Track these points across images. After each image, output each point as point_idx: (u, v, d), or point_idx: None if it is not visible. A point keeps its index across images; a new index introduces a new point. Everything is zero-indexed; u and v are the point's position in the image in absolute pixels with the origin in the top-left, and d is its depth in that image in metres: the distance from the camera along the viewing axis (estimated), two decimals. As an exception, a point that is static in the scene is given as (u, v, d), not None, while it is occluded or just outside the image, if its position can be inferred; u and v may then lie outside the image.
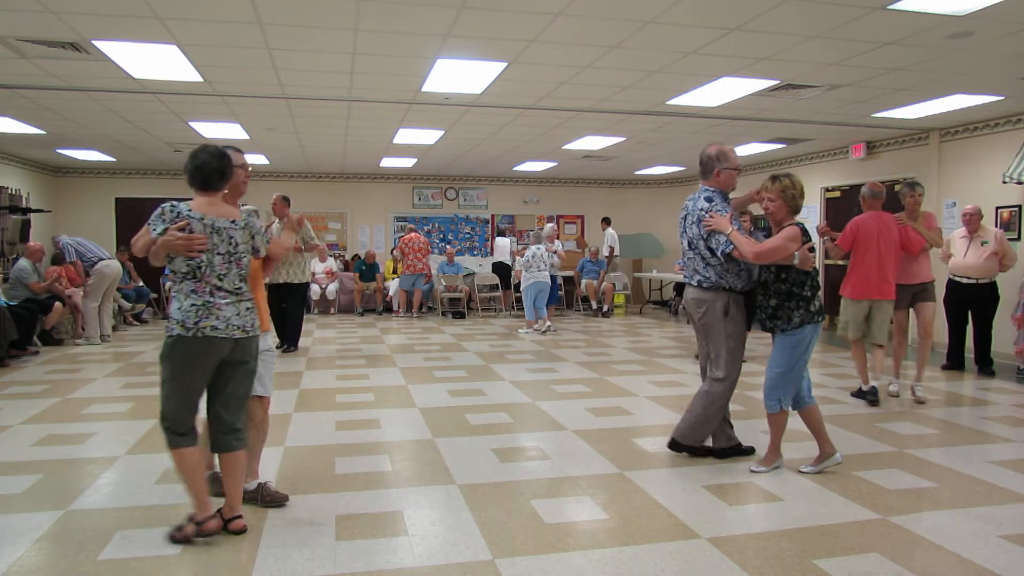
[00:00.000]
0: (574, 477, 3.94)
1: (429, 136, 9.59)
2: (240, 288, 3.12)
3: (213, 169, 3.06)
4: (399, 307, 12.54)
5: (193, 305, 2.97)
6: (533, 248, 10.46)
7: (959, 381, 6.81)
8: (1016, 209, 7.79)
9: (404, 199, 14.45)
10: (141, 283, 11.68)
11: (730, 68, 6.05)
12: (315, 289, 12.76)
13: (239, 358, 3.09)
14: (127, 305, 10.98)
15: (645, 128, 8.95)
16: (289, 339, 8.30)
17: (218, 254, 3.03)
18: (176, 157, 11.56)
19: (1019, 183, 7.50)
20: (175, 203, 3.00)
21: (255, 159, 11.91)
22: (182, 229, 2.95)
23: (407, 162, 12.41)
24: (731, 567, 2.86)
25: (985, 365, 7.09)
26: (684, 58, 5.75)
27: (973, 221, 6.91)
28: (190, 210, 3.01)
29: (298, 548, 3.02)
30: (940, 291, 7.57)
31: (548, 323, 10.40)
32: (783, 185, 3.80)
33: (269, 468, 4.03)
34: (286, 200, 8.02)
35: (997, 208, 7.97)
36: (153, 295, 12.03)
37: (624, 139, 9.79)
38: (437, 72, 6.18)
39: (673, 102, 7.38)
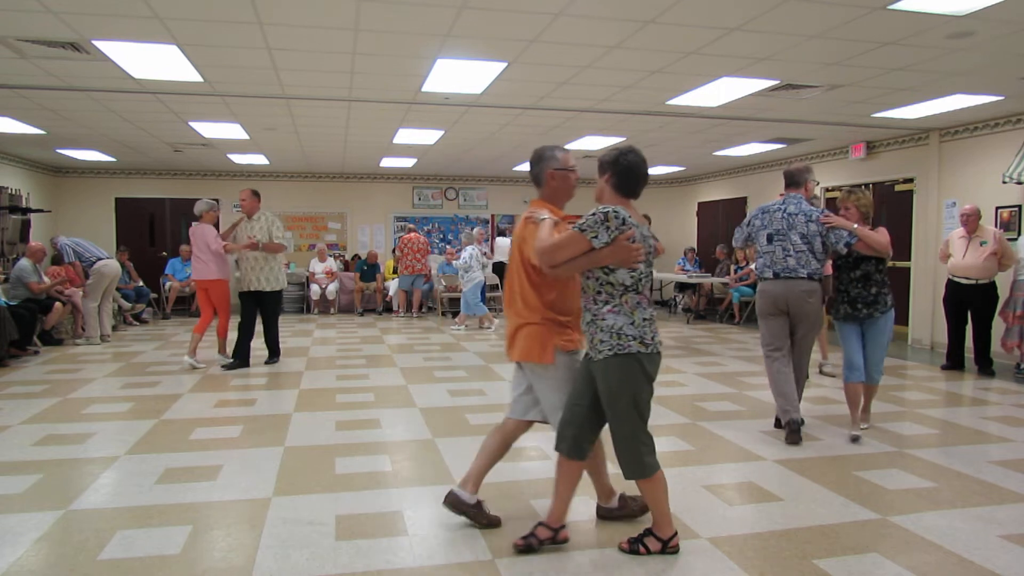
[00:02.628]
0: (574, 477, 3.94)
1: (429, 136, 9.59)
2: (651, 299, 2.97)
3: (643, 174, 2.89)
4: (399, 307, 12.55)
5: (645, 319, 2.83)
6: (469, 249, 10.84)
7: (959, 381, 6.81)
8: (1016, 209, 7.79)
9: (404, 199, 14.45)
10: (141, 283, 11.68)
11: (730, 68, 6.05)
12: (315, 289, 12.79)
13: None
14: (127, 305, 10.98)
15: (645, 128, 8.95)
16: (271, 350, 7.50)
17: (646, 263, 2.90)
18: (176, 157, 11.55)
19: (1019, 183, 7.50)
20: (617, 209, 2.78)
21: (255, 159, 11.91)
22: (628, 239, 2.77)
23: (407, 162, 12.41)
24: (731, 567, 2.86)
25: (985, 365, 7.09)
26: (684, 58, 5.76)
27: (971, 221, 6.91)
28: (629, 216, 2.80)
29: (298, 548, 3.01)
30: (940, 291, 7.61)
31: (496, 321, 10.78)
32: (858, 196, 4.66)
33: (268, 468, 4.04)
34: (256, 195, 7.29)
35: (997, 208, 7.97)
36: (153, 295, 12.03)
37: (624, 139, 9.78)
38: (437, 72, 6.18)
39: (673, 102, 7.38)
